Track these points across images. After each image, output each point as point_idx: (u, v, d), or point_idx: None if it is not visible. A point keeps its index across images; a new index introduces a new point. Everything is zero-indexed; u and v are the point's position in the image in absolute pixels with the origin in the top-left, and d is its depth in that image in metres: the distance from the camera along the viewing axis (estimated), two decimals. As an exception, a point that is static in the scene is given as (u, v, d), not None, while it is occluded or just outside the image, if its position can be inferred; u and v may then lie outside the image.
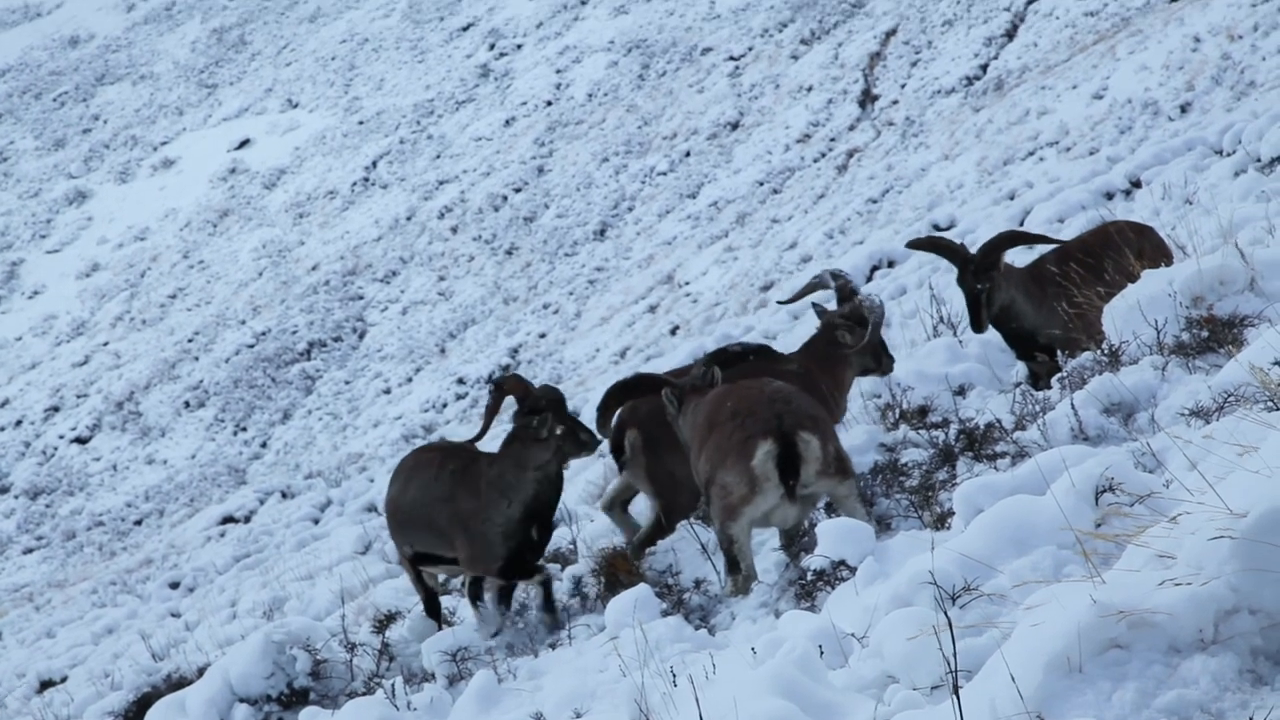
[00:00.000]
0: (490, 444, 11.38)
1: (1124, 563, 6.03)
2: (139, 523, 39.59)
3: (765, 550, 10.52)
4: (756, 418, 9.63)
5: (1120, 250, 12.36)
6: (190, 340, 50.37)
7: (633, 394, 11.03)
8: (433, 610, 11.74)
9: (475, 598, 11.42)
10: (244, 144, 62.43)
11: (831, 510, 10.14)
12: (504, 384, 11.27)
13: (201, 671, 12.28)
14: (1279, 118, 23.41)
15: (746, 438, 9.59)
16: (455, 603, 12.20)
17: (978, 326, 12.50)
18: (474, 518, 10.91)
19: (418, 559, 11.41)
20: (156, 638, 18.63)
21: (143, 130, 65.65)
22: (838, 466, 9.63)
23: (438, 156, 56.99)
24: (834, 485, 9.67)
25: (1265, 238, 13.23)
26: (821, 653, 6.85)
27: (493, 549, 10.92)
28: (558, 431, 10.86)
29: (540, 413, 10.93)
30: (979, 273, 12.42)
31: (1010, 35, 48.41)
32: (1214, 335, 9.78)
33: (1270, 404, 7.74)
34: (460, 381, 42.25)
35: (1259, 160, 22.35)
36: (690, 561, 10.65)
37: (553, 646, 10.19)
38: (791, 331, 26.01)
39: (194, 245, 56.59)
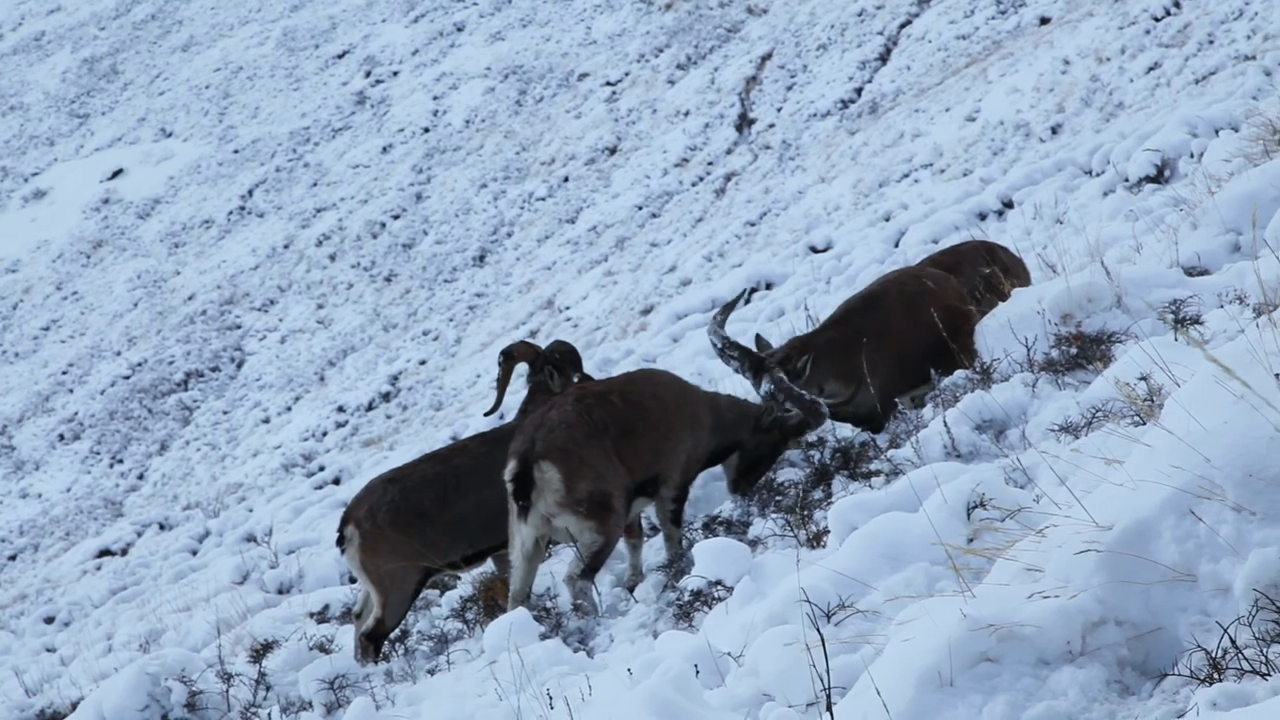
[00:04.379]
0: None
1: (994, 577, 6.10)
2: (13, 558, 38.93)
3: (645, 570, 10.53)
4: (522, 436, 9.85)
5: (974, 268, 12.49)
6: (64, 372, 49.65)
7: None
8: (378, 645, 11.02)
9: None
10: (117, 174, 61.63)
11: (707, 531, 10.15)
12: (513, 351, 11.50)
13: (75, 706, 12.11)
14: (1146, 138, 23.76)
15: (509, 452, 9.89)
16: (333, 631, 12.09)
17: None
18: None
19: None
20: (30, 673, 18.32)
21: (13, 161, 64.70)
22: (588, 509, 9.68)
23: (315, 184, 56.59)
24: (574, 523, 9.74)
25: (1133, 255, 13.45)
26: (698, 672, 6.86)
27: None
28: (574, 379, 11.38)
29: (554, 365, 11.25)
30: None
31: (884, 59, 48.80)
32: (1082, 352, 9.91)
33: (1136, 418, 7.85)
34: (340, 409, 41.90)
35: (1127, 180, 22.68)
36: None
37: (431, 673, 10.14)
38: (670, 355, 26.05)
39: (67, 276, 55.82)
